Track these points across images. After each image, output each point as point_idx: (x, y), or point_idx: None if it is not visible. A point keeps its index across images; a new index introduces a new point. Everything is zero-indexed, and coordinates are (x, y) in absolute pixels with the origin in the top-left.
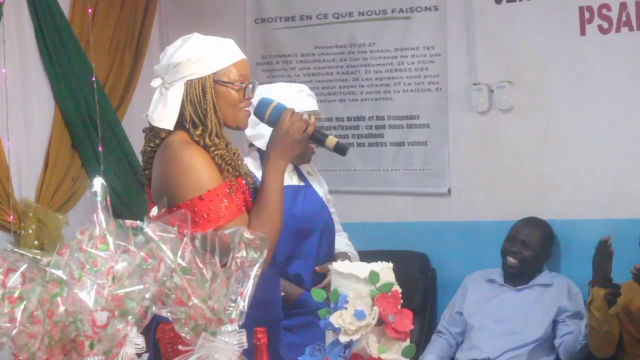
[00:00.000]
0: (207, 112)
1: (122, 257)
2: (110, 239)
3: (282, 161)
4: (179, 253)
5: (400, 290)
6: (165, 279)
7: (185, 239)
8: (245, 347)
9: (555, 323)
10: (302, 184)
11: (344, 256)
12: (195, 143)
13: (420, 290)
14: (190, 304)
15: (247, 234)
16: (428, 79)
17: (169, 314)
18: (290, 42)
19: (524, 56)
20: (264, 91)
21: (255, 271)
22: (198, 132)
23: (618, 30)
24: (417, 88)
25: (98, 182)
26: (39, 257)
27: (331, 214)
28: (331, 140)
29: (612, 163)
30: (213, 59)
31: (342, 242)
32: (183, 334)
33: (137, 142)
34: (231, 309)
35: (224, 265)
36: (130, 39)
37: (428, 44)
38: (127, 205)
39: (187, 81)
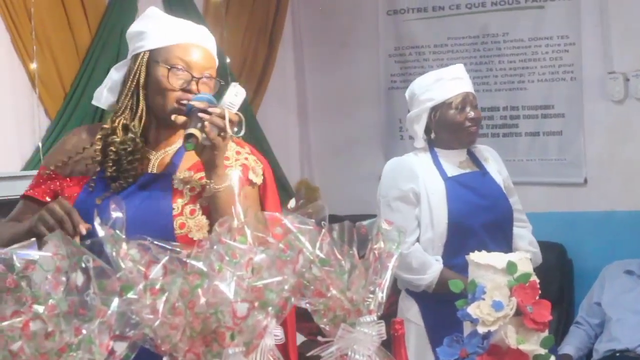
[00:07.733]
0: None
1: (261, 249)
2: (248, 231)
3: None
4: (317, 244)
5: (537, 281)
6: (304, 270)
7: (323, 230)
8: (385, 338)
9: None
10: (476, 169)
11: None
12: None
13: (557, 281)
14: (328, 295)
15: (385, 225)
16: (562, 68)
17: (308, 305)
18: (423, 33)
19: None
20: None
21: (393, 262)
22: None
23: None
24: (552, 77)
25: (235, 175)
26: (178, 249)
27: (511, 204)
28: None
29: None
30: (152, 35)
31: (525, 238)
32: (322, 325)
33: (271, 134)
34: (370, 300)
35: (362, 257)
36: (263, 33)
37: (562, 33)
38: None
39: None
